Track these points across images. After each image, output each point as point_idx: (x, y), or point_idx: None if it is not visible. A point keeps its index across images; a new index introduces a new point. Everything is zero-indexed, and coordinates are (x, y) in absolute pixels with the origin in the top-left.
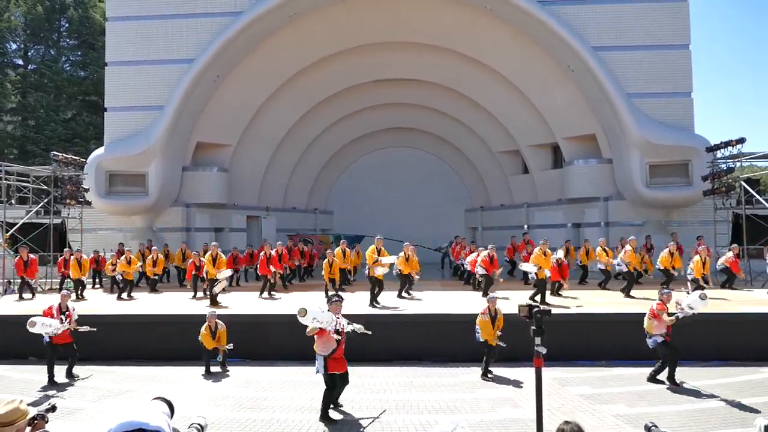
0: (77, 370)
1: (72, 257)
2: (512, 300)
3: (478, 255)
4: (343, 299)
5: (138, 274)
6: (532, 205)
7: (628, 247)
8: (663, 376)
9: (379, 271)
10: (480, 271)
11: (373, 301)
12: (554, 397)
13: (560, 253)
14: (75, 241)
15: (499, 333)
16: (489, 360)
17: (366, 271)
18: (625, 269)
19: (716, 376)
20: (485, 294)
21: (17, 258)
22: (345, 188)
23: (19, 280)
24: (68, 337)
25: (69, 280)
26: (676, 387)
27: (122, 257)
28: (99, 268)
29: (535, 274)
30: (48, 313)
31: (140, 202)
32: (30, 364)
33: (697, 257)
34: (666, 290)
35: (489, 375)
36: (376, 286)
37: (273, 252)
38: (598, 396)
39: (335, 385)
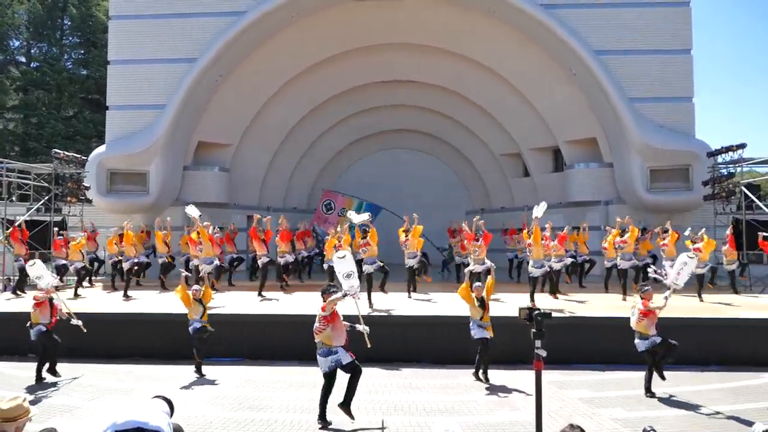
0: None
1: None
2: (508, 302)
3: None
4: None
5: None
6: (532, 208)
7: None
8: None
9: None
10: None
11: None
12: (553, 401)
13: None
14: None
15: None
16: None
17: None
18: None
19: (715, 381)
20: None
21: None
22: (345, 189)
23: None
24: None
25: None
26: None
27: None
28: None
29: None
30: (38, 305)
31: (141, 201)
32: (30, 361)
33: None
34: (645, 288)
35: (483, 376)
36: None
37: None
38: (596, 399)
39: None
